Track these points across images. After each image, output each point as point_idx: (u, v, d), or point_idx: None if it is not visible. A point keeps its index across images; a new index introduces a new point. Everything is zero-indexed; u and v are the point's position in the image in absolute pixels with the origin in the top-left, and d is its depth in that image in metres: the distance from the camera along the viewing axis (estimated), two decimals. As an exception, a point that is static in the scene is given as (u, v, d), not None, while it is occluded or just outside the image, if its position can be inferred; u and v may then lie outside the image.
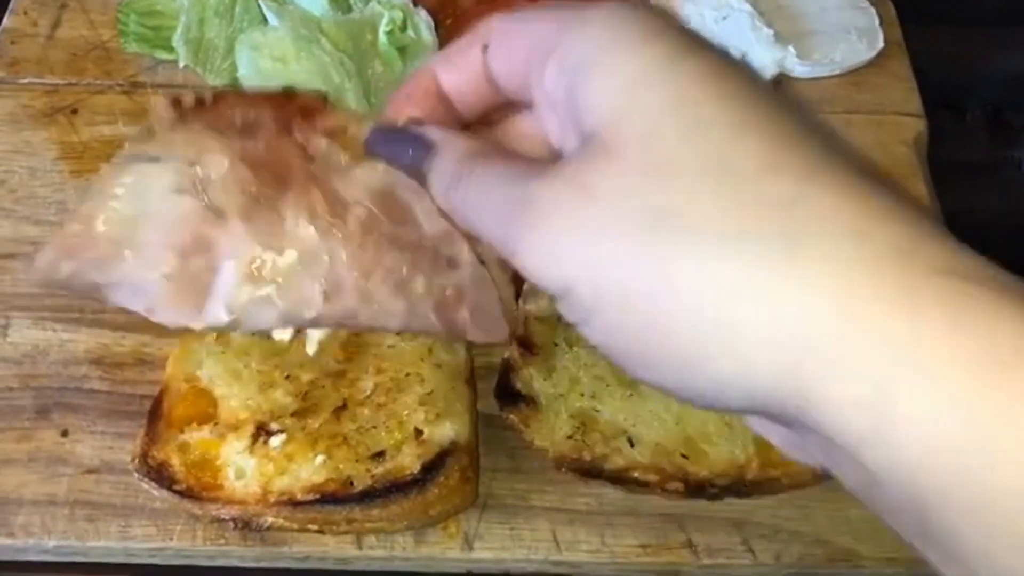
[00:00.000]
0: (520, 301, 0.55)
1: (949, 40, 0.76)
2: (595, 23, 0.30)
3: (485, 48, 0.34)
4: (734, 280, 0.25)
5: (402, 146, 0.37)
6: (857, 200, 0.26)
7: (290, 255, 0.38)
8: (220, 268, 0.39)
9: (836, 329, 0.25)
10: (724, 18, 0.72)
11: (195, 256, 0.39)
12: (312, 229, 0.39)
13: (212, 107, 0.42)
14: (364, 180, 0.40)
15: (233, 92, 0.44)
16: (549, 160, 0.31)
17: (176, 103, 0.42)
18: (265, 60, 0.63)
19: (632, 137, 0.28)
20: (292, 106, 0.42)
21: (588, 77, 0.29)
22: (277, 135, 0.41)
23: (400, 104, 0.37)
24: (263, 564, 0.51)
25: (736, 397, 0.27)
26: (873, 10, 0.73)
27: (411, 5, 0.67)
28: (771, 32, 0.71)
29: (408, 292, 0.39)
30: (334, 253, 0.39)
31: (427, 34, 0.67)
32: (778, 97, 0.28)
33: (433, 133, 0.36)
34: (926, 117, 0.70)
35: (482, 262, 0.40)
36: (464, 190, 0.34)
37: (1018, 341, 0.24)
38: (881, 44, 0.72)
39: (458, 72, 0.36)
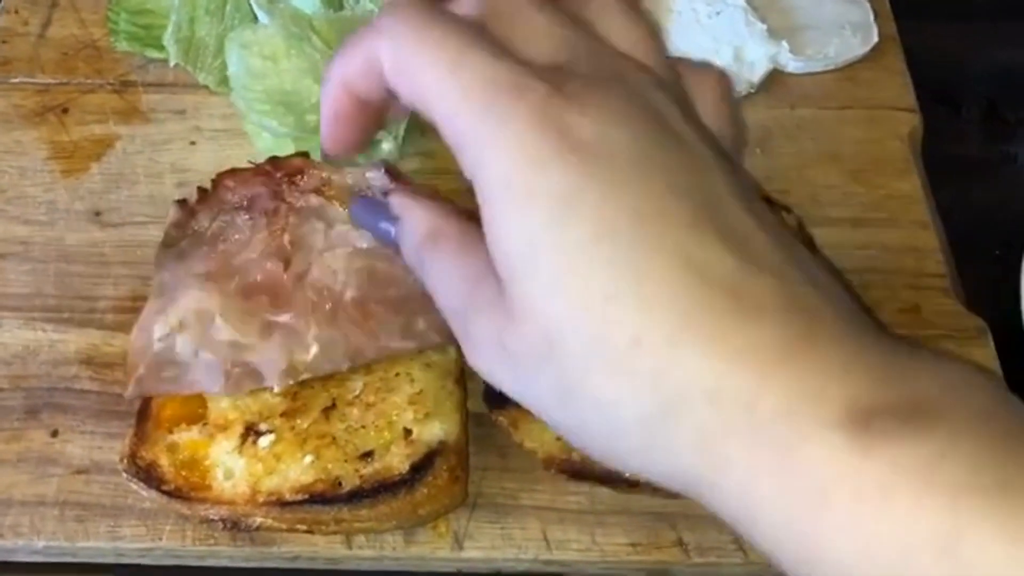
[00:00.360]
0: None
1: (944, 35, 0.75)
2: (511, 145, 0.31)
3: (381, 66, 0.35)
4: (628, 447, 0.31)
5: (376, 219, 0.43)
6: (722, 365, 0.29)
7: (313, 351, 0.49)
8: (263, 372, 0.49)
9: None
10: (717, 13, 0.71)
11: (238, 372, 0.49)
12: (322, 329, 0.49)
13: (214, 192, 0.53)
14: (344, 264, 0.50)
15: (228, 173, 0.54)
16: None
17: (183, 203, 0.53)
18: (255, 58, 0.62)
19: (532, 311, 0.31)
20: (280, 172, 0.52)
21: (496, 213, 0.32)
22: (273, 212, 0.52)
23: (331, 128, 0.39)
24: (253, 564, 0.51)
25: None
26: (867, 4, 0.73)
27: (402, 2, 0.67)
28: (764, 27, 0.70)
29: (415, 336, 0.50)
30: (346, 331, 0.49)
31: (418, 31, 0.66)
32: (672, 240, 0.30)
33: (397, 205, 0.40)
34: (921, 112, 0.69)
35: None
36: (425, 270, 0.37)
37: None
38: (875, 39, 0.71)
39: (362, 80, 0.36)
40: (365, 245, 0.50)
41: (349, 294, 0.50)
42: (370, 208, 0.45)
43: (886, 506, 0.27)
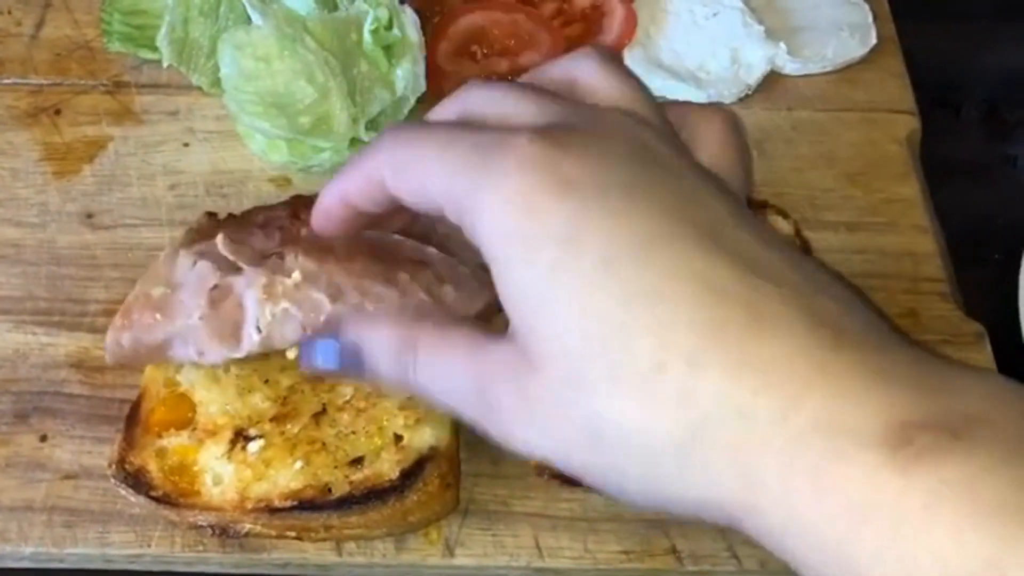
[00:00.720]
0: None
1: (944, 36, 0.74)
2: (504, 198, 0.32)
3: (382, 179, 0.37)
4: (663, 476, 0.30)
5: (332, 358, 0.39)
6: (750, 380, 0.29)
7: (295, 276, 0.48)
8: (244, 302, 0.49)
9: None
10: (715, 14, 0.71)
11: (222, 300, 0.49)
12: (308, 259, 0.49)
13: (241, 216, 0.55)
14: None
15: (257, 207, 0.56)
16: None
17: (212, 215, 0.55)
18: (248, 60, 0.62)
19: (550, 354, 0.31)
20: (299, 203, 0.54)
21: (503, 269, 0.32)
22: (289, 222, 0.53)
23: (322, 223, 0.41)
24: (243, 571, 0.51)
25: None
26: (866, 6, 0.73)
27: (397, 3, 0.66)
28: (762, 28, 0.70)
29: (397, 282, 0.49)
30: (330, 269, 0.48)
31: (413, 32, 0.66)
32: (682, 263, 0.30)
33: (354, 334, 0.38)
34: (920, 114, 0.69)
35: (449, 253, 0.51)
36: (415, 379, 0.36)
37: None
38: (874, 40, 0.71)
39: (362, 196, 0.39)
40: None
41: (341, 241, 0.49)
42: (323, 347, 0.40)
43: (929, 528, 0.26)
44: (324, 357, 0.39)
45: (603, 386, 0.30)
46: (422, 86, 0.66)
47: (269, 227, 0.53)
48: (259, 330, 0.48)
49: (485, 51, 0.70)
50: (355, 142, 0.64)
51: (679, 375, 0.29)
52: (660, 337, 0.29)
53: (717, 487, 0.29)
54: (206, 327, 0.49)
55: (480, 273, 0.49)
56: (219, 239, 0.50)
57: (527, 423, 0.32)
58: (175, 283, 0.50)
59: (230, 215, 0.55)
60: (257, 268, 0.49)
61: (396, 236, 0.51)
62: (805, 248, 0.58)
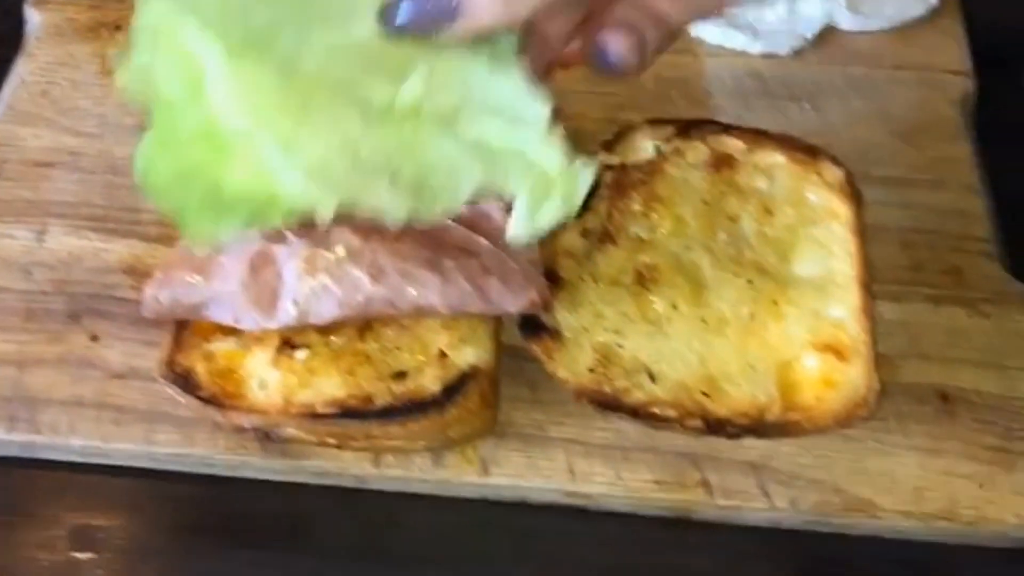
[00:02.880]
0: (550, 236, 0.55)
1: (1006, 1, 0.74)
2: None
3: None
4: None
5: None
6: None
7: (339, 250, 0.47)
8: (283, 273, 0.47)
9: None
10: (775, -35, 0.70)
11: (263, 267, 0.48)
12: (354, 235, 0.47)
13: None
14: None
15: None
16: None
17: None
18: None
19: None
20: None
21: None
22: None
23: None
24: (281, 477, 0.52)
25: None
26: (929, -35, 0.72)
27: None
28: (821, -18, 0.69)
29: (441, 268, 0.48)
30: (375, 247, 0.47)
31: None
32: None
33: None
34: (977, 77, 0.68)
35: (500, 247, 0.49)
36: None
37: None
38: (935, 0, 0.70)
39: None
40: None
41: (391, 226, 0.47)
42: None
43: None
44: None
45: None
46: None
47: None
48: (295, 303, 0.48)
49: None
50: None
51: None
52: None
53: None
54: (244, 294, 0.48)
55: (529, 269, 0.50)
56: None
57: None
58: (218, 243, 0.49)
59: None
60: (302, 240, 0.48)
61: (448, 222, 0.49)
62: (855, 198, 0.57)
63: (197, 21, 0.40)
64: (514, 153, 0.42)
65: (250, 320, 0.49)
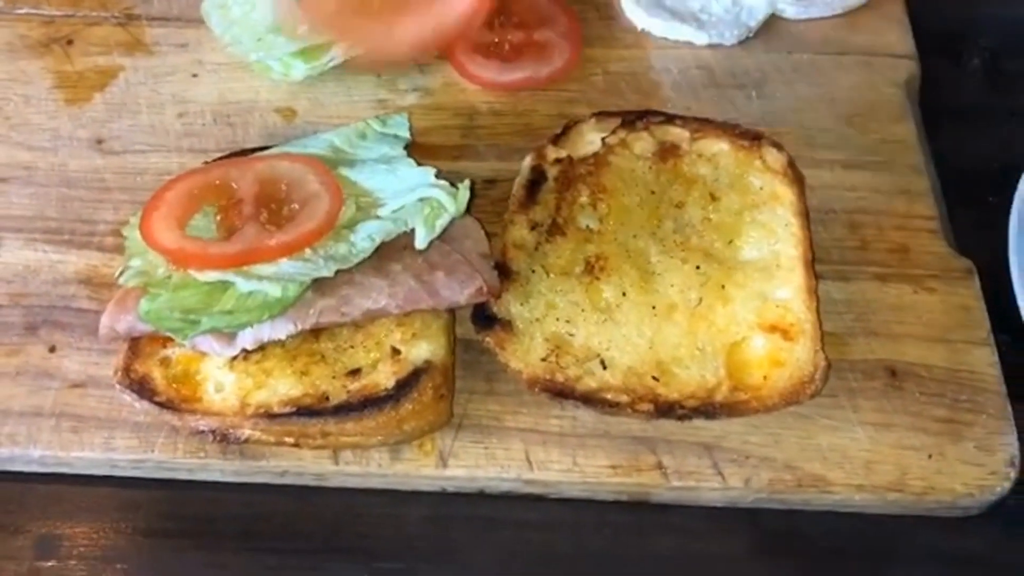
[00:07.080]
0: (500, 229, 0.56)
1: (948, -16, 0.75)
2: None
3: None
4: None
5: None
6: None
7: None
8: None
9: None
10: (718, -43, 0.71)
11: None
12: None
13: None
14: None
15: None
16: None
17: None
18: (234, 7, 0.65)
19: None
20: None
21: None
22: None
23: None
24: (241, 479, 0.53)
25: None
26: (870, -48, 0.73)
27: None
28: (764, -28, 0.70)
29: (387, 271, 0.51)
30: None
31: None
32: None
33: None
34: (921, 61, 0.69)
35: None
36: None
37: None
38: (876, -14, 0.71)
39: None
40: None
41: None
42: None
43: None
44: None
45: None
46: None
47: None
48: (251, 329, 0.50)
49: (502, 21, 0.69)
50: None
51: None
52: None
53: None
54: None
55: (477, 260, 0.52)
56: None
57: None
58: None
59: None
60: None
61: None
62: (798, 182, 0.59)
63: None
64: (413, 204, 0.54)
65: (208, 347, 0.50)
